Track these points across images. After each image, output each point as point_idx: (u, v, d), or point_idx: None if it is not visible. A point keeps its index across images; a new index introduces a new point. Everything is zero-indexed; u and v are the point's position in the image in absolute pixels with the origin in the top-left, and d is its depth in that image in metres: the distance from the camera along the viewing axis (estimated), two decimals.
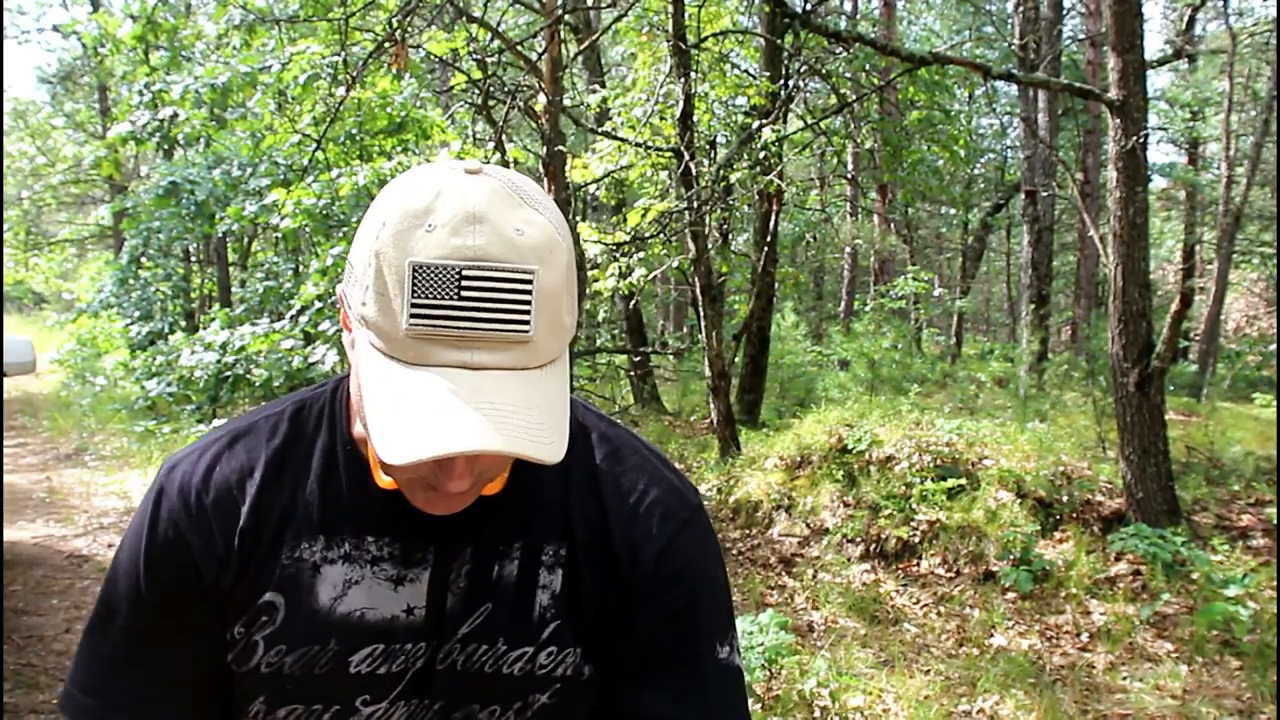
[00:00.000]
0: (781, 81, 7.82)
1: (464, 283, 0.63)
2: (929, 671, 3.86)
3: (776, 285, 10.15)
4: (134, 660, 0.80)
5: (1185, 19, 14.38)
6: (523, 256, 0.65)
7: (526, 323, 0.65)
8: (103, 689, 0.81)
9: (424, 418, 0.62)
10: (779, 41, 7.52)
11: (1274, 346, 14.73)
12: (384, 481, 0.79)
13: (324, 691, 0.79)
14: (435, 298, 0.63)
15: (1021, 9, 11.45)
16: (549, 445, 0.65)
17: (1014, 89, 16.90)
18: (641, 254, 7.67)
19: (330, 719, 0.80)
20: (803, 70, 8.10)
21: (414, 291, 0.63)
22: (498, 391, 0.64)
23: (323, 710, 0.80)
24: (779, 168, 7.59)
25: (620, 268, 7.67)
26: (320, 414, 0.84)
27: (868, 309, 11.57)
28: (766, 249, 8.48)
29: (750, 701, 1.70)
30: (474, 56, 6.76)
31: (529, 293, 0.65)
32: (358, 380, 0.72)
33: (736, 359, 8.60)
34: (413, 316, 0.64)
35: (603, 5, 8.06)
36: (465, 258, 0.63)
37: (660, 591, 0.82)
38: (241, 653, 0.80)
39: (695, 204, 6.33)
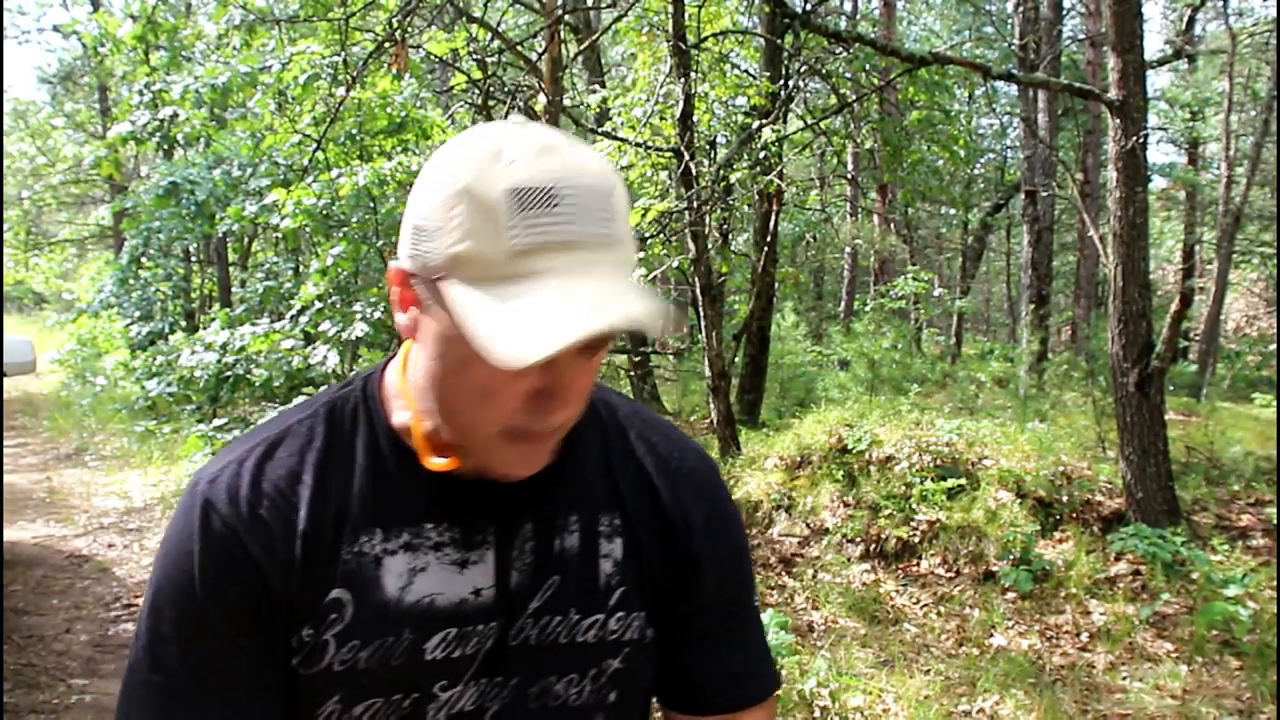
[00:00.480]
0: (781, 81, 7.82)
1: (557, 196, 0.68)
2: (929, 671, 3.86)
3: (776, 285, 10.15)
4: (196, 693, 0.77)
5: (1185, 19, 14.38)
6: (600, 172, 0.71)
7: (615, 226, 0.71)
8: None
9: (550, 312, 0.65)
10: (779, 41, 7.52)
11: (1274, 346, 14.73)
12: (434, 465, 0.80)
13: (402, 682, 0.79)
14: (534, 213, 0.68)
15: (1021, 9, 11.45)
16: (664, 322, 0.69)
17: (1014, 89, 16.90)
18: (641, 254, 7.67)
19: (410, 706, 0.80)
20: (803, 70, 8.10)
21: (512, 211, 0.68)
22: (605, 280, 0.68)
23: (402, 699, 0.79)
24: (779, 168, 7.59)
25: None
26: (355, 412, 0.85)
27: (868, 309, 11.56)
28: (766, 249, 8.48)
29: None
30: (474, 56, 6.76)
31: (613, 201, 0.71)
32: (431, 347, 0.74)
33: (736, 359, 8.60)
34: (515, 233, 0.67)
35: (603, 5, 8.07)
36: (553, 177, 0.69)
37: (714, 551, 0.87)
38: (310, 654, 0.78)
39: (695, 204, 6.33)
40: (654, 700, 0.94)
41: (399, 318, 0.76)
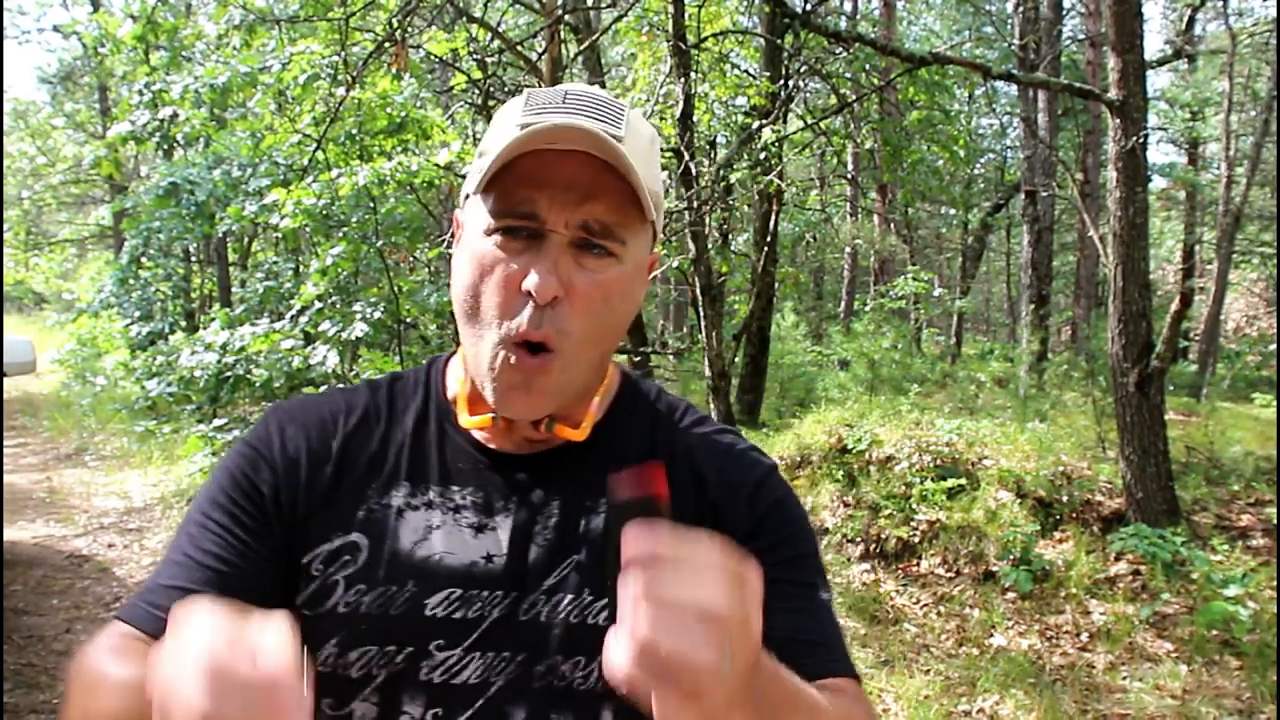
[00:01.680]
0: (781, 81, 7.82)
1: (568, 96, 0.77)
2: (929, 671, 3.86)
3: (776, 285, 10.15)
4: (199, 548, 0.80)
5: (1185, 19, 14.38)
6: (620, 100, 0.78)
7: (619, 125, 0.76)
8: (156, 587, 0.80)
9: (517, 139, 0.74)
10: (779, 41, 7.52)
11: (1274, 346, 14.73)
12: (468, 422, 0.84)
13: (399, 633, 0.79)
14: (544, 104, 0.77)
15: (1021, 9, 11.45)
16: (633, 174, 0.74)
17: (1014, 89, 16.90)
18: None
19: (403, 660, 0.79)
20: (803, 70, 8.11)
21: (526, 104, 0.78)
22: (589, 125, 0.74)
23: (396, 651, 0.79)
24: (779, 168, 7.59)
25: None
26: (416, 382, 0.91)
27: (868, 309, 11.57)
28: (766, 249, 8.48)
29: None
30: (474, 56, 6.77)
31: (623, 110, 0.78)
32: (455, 260, 0.82)
33: (736, 359, 8.60)
34: (523, 117, 0.76)
35: (603, 5, 8.07)
36: (569, 87, 0.79)
37: (760, 525, 0.85)
38: (319, 592, 0.80)
39: (695, 204, 6.33)
40: None
41: (453, 259, 0.84)
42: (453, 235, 0.87)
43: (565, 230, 0.75)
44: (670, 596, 0.51)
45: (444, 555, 0.81)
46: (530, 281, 0.74)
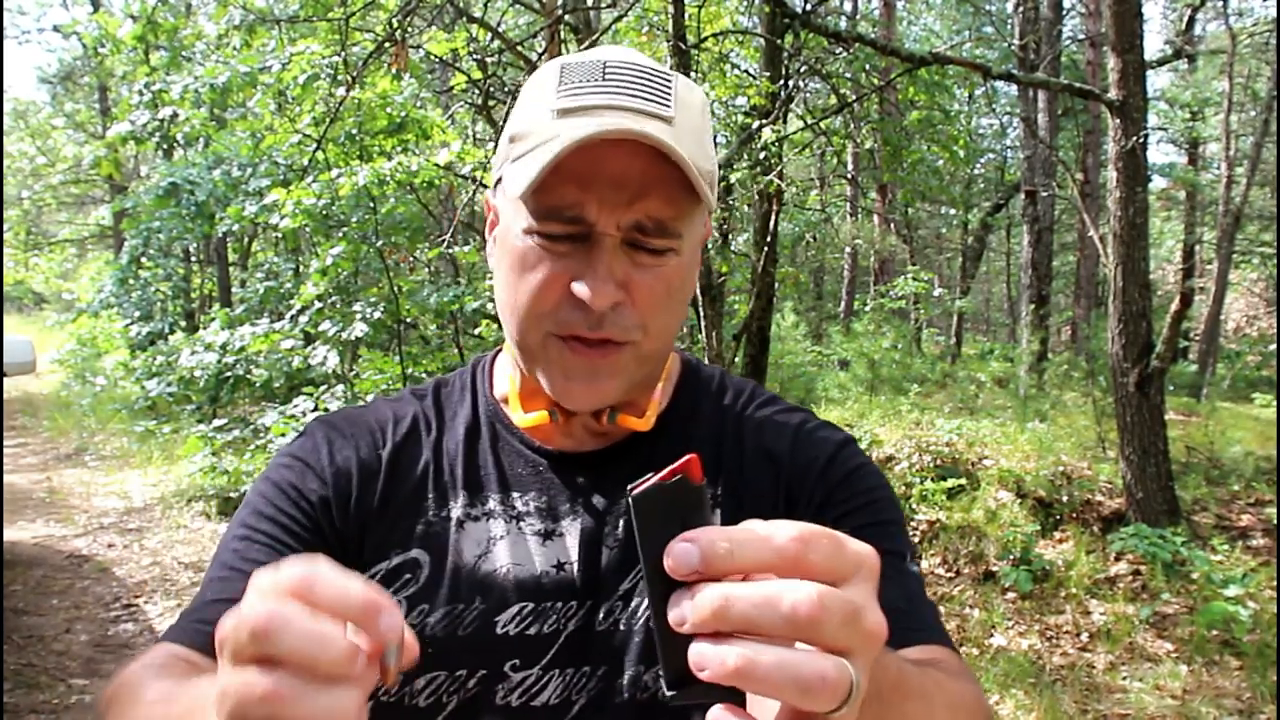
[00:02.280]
0: (781, 81, 7.82)
1: (607, 70, 0.69)
2: None
3: (776, 285, 10.14)
4: (246, 559, 0.73)
5: (1185, 19, 14.37)
6: (664, 69, 0.71)
7: (667, 104, 0.68)
8: (202, 605, 0.73)
9: (563, 139, 0.65)
10: (779, 41, 7.52)
11: (1274, 346, 14.73)
12: (524, 421, 0.79)
13: (469, 655, 0.73)
14: (580, 81, 0.68)
15: (1021, 9, 11.45)
16: (686, 163, 0.66)
17: (1014, 89, 16.90)
18: None
19: (476, 685, 0.73)
20: (803, 70, 8.10)
21: (561, 80, 0.69)
22: (636, 124, 0.66)
23: (467, 677, 0.73)
24: (779, 168, 7.59)
25: None
26: (462, 387, 0.86)
27: (868, 309, 11.57)
28: (766, 249, 8.48)
29: None
30: (474, 56, 6.76)
31: (669, 84, 0.70)
32: (495, 255, 0.76)
33: (736, 359, 8.60)
34: (560, 98, 0.68)
35: (603, 5, 8.06)
36: (606, 56, 0.70)
37: (831, 494, 0.79)
38: None
39: None
40: None
41: (488, 247, 0.79)
42: (488, 224, 0.81)
43: (617, 232, 0.68)
44: (752, 599, 0.40)
45: (510, 568, 0.75)
46: (583, 292, 0.68)
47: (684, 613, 0.40)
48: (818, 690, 0.39)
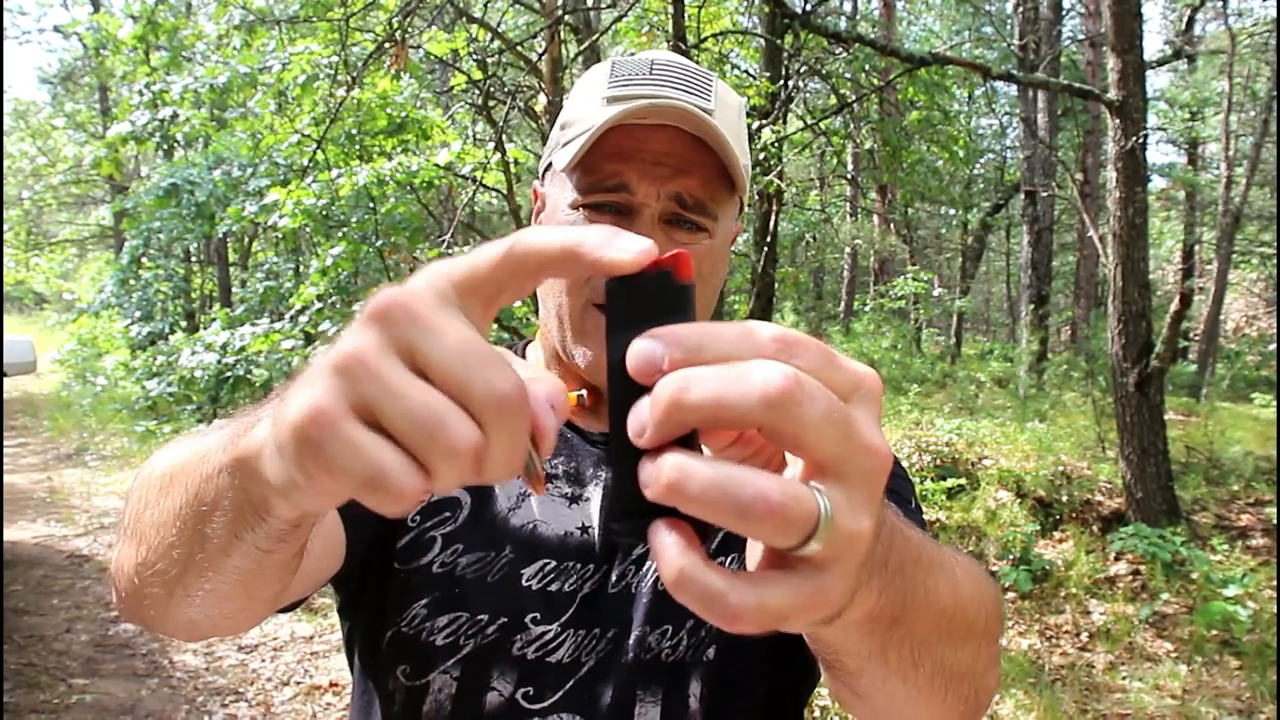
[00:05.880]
0: (781, 82, 7.82)
1: (654, 66, 0.75)
2: None
3: (776, 285, 10.15)
4: None
5: (1185, 19, 14.38)
6: (707, 70, 0.77)
7: (708, 98, 0.74)
8: None
9: (604, 119, 0.71)
10: (779, 42, 7.53)
11: (1274, 346, 14.73)
12: None
13: (493, 601, 0.75)
14: (630, 74, 0.74)
15: (1021, 9, 11.45)
16: (726, 148, 0.72)
17: (1014, 89, 16.90)
18: None
19: (495, 632, 0.75)
20: (803, 70, 8.11)
21: (612, 73, 0.76)
22: (678, 109, 0.71)
23: (488, 622, 0.75)
24: (779, 168, 7.59)
25: None
26: None
27: (867, 309, 11.57)
28: (766, 249, 8.49)
29: None
30: (474, 57, 6.76)
31: (710, 81, 0.76)
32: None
33: None
34: (609, 90, 0.74)
35: (603, 5, 8.06)
36: (655, 55, 0.77)
37: None
38: (414, 545, 0.77)
39: None
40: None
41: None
42: (533, 211, 0.85)
43: (656, 203, 0.74)
44: (719, 375, 0.33)
45: (539, 524, 0.78)
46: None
47: (641, 415, 0.33)
48: (759, 514, 0.31)
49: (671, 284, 0.35)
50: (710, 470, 0.32)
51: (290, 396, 0.34)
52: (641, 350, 0.33)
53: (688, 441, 0.34)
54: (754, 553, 0.37)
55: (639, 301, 0.35)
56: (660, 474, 0.32)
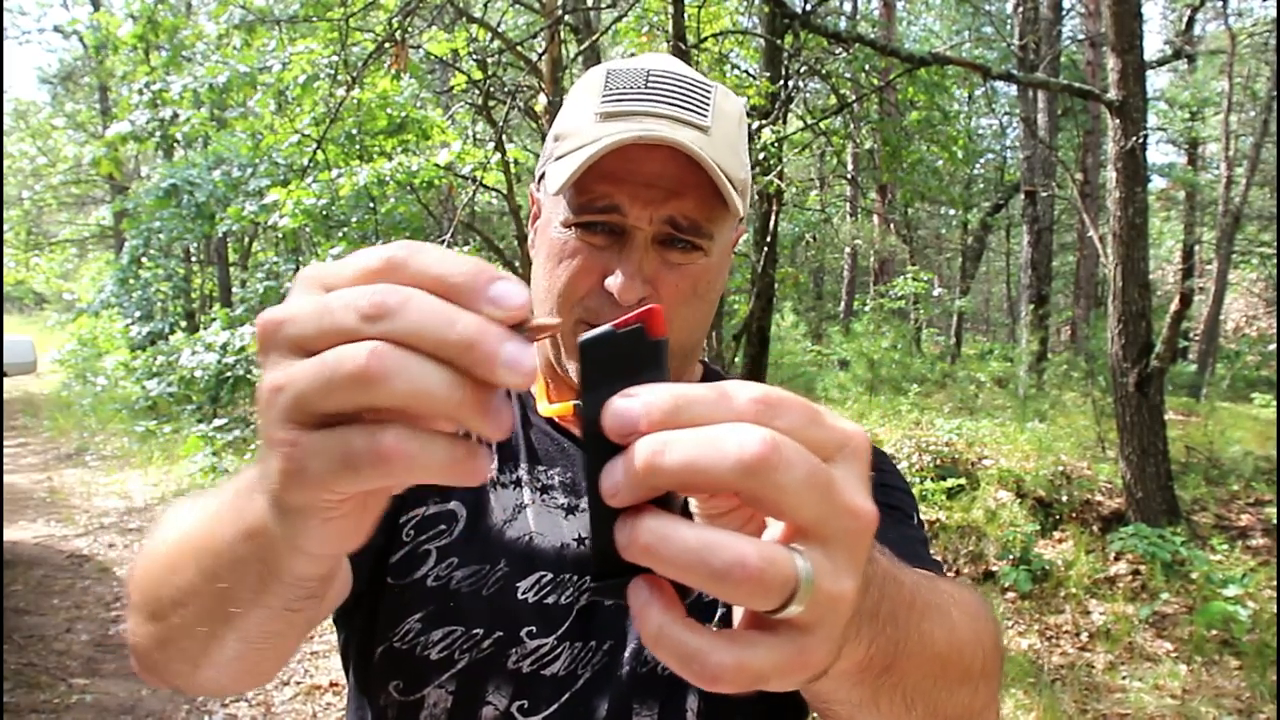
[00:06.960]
0: (781, 82, 7.82)
1: (650, 78, 0.74)
2: None
3: (776, 285, 10.15)
4: None
5: (1184, 19, 14.38)
6: (705, 79, 0.75)
7: (705, 114, 0.72)
8: None
9: (598, 141, 0.70)
10: (779, 42, 7.53)
11: (1274, 346, 14.73)
12: (546, 410, 0.82)
13: (489, 615, 0.75)
14: (624, 87, 0.73)
15: (1021, 9, 11.45)
16: (717, 173, 0.70)
17: (1013, 89, 16.90)
18: None
19: (490, 646, 0.74)
20: (803, 71, 8.11)
21: (607, 84, 0.74)
22: (672, 132, 0.70)
23: (483, 636, 0.74)
24: (779, 168, 7.59)
25: None
26: None
27: (867, 309, 11.57)
28: (766, 249, 8.49)
29: None
30: (474, 57, 6.77)
31: (708, 94, 0.74)
32: (535, 244, 0.80)
33: (736, 359, 8.61)
34: (603, 102, 0.73)
35: (603, 5, 8.06)
36: (651, 64, 0.75)
37: None
38: (409, 559, 0.76)
39: None
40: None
41: (529, 238, 0.84)
42: (530, 215, 0.86)
43: (649, 226, 0.73)
44: (695, 438, 0.32)
45: (535, 536, 0.77)
46: (613, 284, 0.72)
47: (615, 476, 0.33)
48: (736, 579, 0.31)
49: (644, 341, 0.36)
50: (686, 534, 0.32)
51: (264, 458, 0.36)
52: (618, 410, 0.33)
53: (666, 499, 0.34)
54: (738, 610, 0.37)
55: (612, 359, 0.36)
56: (636, 537, 0.33)
